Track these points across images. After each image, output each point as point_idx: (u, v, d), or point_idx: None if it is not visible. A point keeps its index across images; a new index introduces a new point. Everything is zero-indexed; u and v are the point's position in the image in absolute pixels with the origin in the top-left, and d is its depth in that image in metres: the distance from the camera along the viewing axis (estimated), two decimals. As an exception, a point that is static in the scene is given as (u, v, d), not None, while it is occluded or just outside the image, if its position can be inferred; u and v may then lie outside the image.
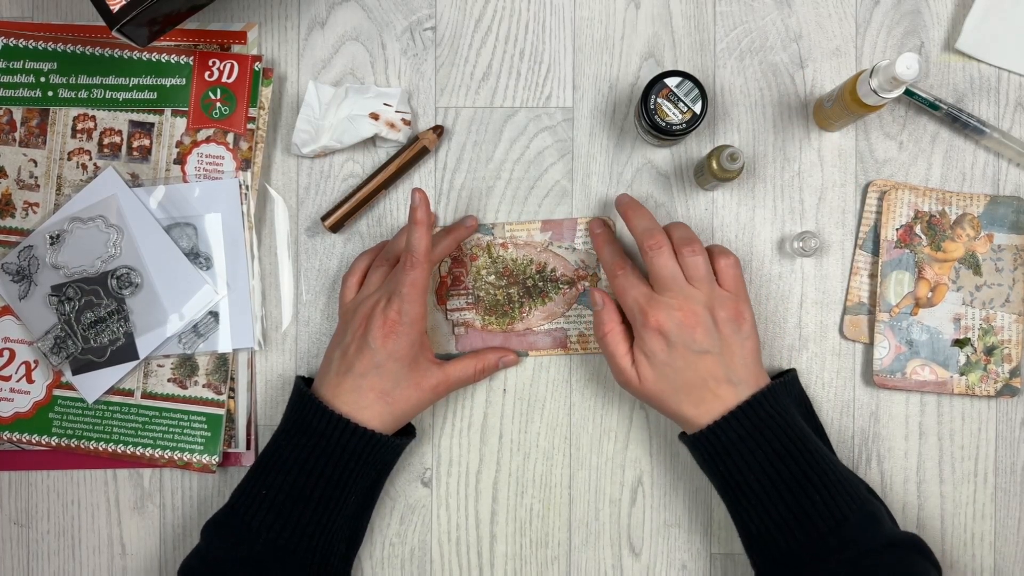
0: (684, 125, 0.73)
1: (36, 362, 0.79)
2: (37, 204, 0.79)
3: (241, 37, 0.80)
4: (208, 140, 0.79)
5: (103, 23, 0.70)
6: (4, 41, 0.79)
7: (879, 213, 0.79)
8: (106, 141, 0.79)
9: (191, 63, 0.79)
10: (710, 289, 0.70)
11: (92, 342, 0.78)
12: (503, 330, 0.79)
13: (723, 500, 0.71)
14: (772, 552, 0.68)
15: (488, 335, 0.79)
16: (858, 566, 0.65)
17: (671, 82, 0.73)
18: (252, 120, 0.78)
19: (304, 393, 0.72)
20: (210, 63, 0.78)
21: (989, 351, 0.78)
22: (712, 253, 0.73)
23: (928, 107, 0.78)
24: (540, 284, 0.79)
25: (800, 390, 0.76)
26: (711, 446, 0.69)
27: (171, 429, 0.79)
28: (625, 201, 0.74)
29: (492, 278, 0.79)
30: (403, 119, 0.78)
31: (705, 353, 0.69)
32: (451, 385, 0.74)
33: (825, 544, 0.66)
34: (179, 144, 0.79)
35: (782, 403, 0.70)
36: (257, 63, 0.78)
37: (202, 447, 0.79)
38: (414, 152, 0.78)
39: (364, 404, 0.71)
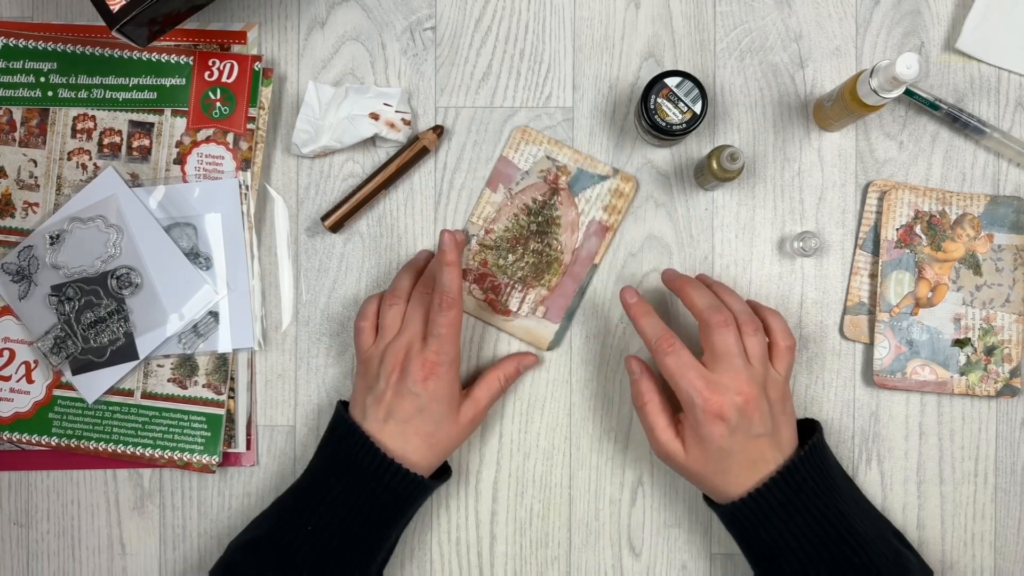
0: (684, 125, 0.73)
1: (36, 362, 0.79)
2: (37, 204, 0.79)
3: (241, 37, 0.80)
4: (208, 140, 0.79)
5: (103, 23, 0.70)
6: (4, 41, 0.79)
7: (879, 213, 0.79)
8: (106, 141, 0.79)
9: (191, 63, 0.79)
10: (764, 370, 0.69)
11: (92, 342, 0.78)
12: (564, 273, 0.79)
13: (757, 568, 0.71)
14: None
15: (561, 289, 0.78)
16: None
17: (671, 82, 0.73)
18: (252, 120, 0.78)
19: (354, 429, 0.71)
20: (210, 63, 0.78)
21: (989, 351, 0.78)
22: (771, 329, 0.71)
23: (928, 107, 0.78)
24: (541, 219, 0.78)
25: (825, 443, 0.75)
26: (752, 514, 0.68)
27: (171, 429, 0.79)
28: (678, 283, 0.72)
29: (511, 257, 0.79)
30: (403, 119, 0.78)
31: (760, 436, 0.68)
32: (484, 410, 0.74)
33: None
34: (179, 144, 0.79)
35: (814, 466, 0.70)
36: (257, 63, 0.78)
37: (202, 447, 0.79)
38: (414, 152, 0.78)
39: (411, 448, 0.70)
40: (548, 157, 0.79)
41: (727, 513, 0.70)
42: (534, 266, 0.78)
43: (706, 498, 0.73)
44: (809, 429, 0.74)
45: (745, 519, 0.69)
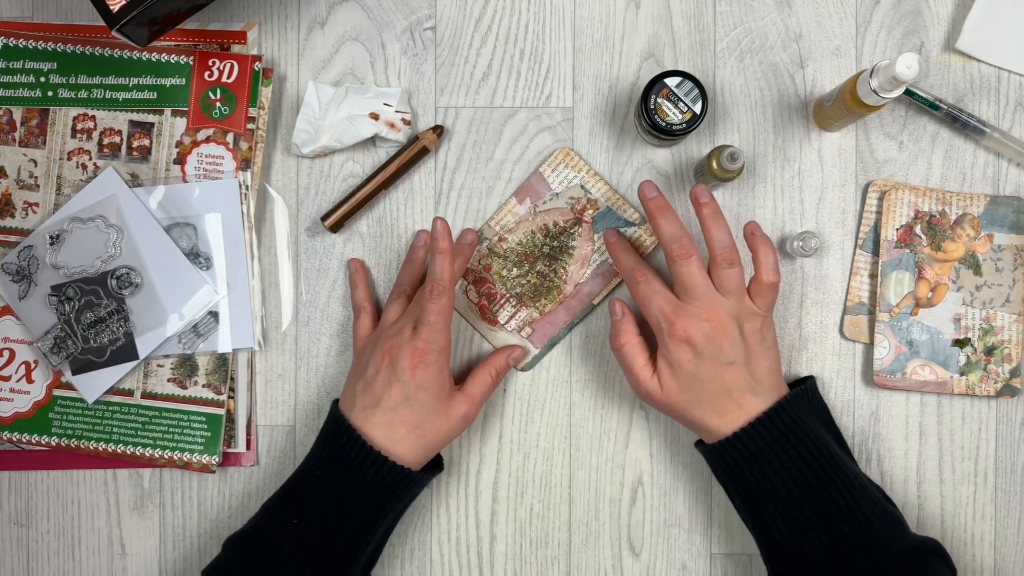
0: (684, 125, 0.73)
1: (36, 362, 0.79)
2: (37, 204, 0.79)
3: (241, 37, 0.80)
4: (208, 140, 0.79)
5: (103, 23, 0.70)
6: (4, 41, 0.79)
7: (879, 213, 0.79)
8: (106, 141, 0.79)
9: (191, 63, 0.79)
10: (739, 301, 0.69)
11: (92, 342, 0.78)
12: (560, 303, 0.79)
13: (741, 509, 0.71)
14: (796, 558, 0.67)
15: (552, 317, 0.79)
16: (884, 569, 0.66)
17: (671, 82, 0.73)
18: (252, 120, 0.79)
19: (341, 422, 0.71)
20: (210, 63, 0.78)
21: (989, 351, 0.78)
22: (757, 263, 0.71)
23: (928, 107, 0.78)
24: (556, 243, 0.78)
25: (819, 398, 0.76)
26: (736, 454, 0.69)
27: (171, 429, 0.79)
28: (653, 204, 0.70)
29: (515, 271, 0.79)
30: (403, 119, 0.78)
31: (731, 364, 0.68)
32: (478, 404, 0.73)
33: (850, 547, 0.66)
34: (179, 144, 0.79)
35: (803, 411, 0.70)
36: (257, 63, 0.78)
37: (202, 447, 0.79)
38: (414, 152, 0.78)
39: (397, 439, 0.70)
40: (582, 186, 0.78)
41: (714, 452, 0.70)
42: (534, 287, 0.78)
43: (696, 445, 0.73)
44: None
45: (731, 459, 0.69)
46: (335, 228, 0.79)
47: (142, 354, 0.78)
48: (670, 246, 0.69)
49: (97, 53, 0.79)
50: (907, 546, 0.67)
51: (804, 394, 0.72)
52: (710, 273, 0.70)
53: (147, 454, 0.79)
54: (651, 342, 0.73)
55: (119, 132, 0.79)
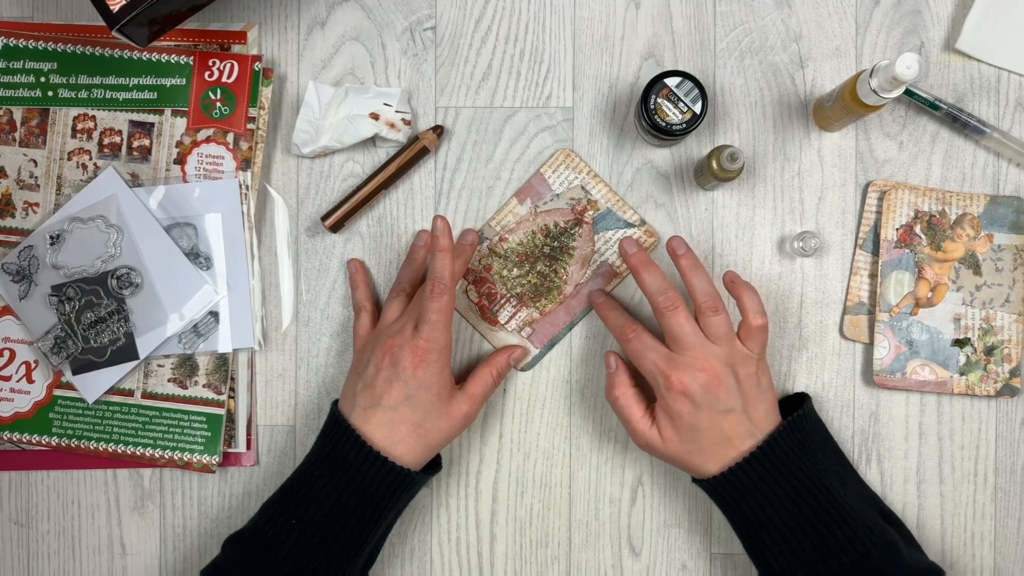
0: (684, 125, 0.73)
1: (36, 362, 0.79)
2: (37, 204, 0.79)
3: (241, 37, 0.80)
4: (208, 140, 0.79)
5: (103, 23, 0.70)
6: (4, 41, 0.79)
7: (879, 213, 0.79)
8: (106, 141, 0.79)
9: (191, 63, 0.79)
10: (730, 347, 0.70)
11: (92, 342, 0.78)
12: (560, 303, 0.79)
13: (743, 541, 0.71)
14: None
15: (552, 317, 0.79)
16: None
17: (671, 82, 0.73)
18: (252, 120, 0.79)
19: (340, 422, 0.71)
20: (210, 63, 0.78)
21: (989, 351, 0.78)
22: (743, 308, 0.71)
23: (928, 107, 0.78)
24: (556, 243, 0.79)
25: (816, 418, 0.75)
26: (731, 488, 0.69)
27: (171, 429, 0.79)
28: (635, 259, 0.71)
29: (515, 271, 0.79)
30: (403, 119, 0.78)
31: (729, 411, 0.69)
32: (479, 404, 0.73)
33: None
34: (179, 144, 0.79)
35: (796, 441, 0.70)
36: (257, 63, 0.78)
37: (202, 447, 0.79)
38: (414, 152, 0.78)
39: (398, 438, 0.70)
40: (583, 187, 0.78)
41: (708, 488, 0.70)
42: (535, 287, 0.78)
43: (692, 480, 0.73)
44: (800, 403, 0.74)
45: (726, 493, 0.69)
46: (335, 228, 0.79)
47: (142, 354, 0.78)
48: (656, 299, 0.70)
49: (97, 53, 0.79)
50: (907, 572, 0.67)
51: (799, 421, 0.71)
52: (698, 322, 0.70)
53: (147, 454, 0.79)
54: (646, 391, 0.73)
55: (119, 132, 0.79)
